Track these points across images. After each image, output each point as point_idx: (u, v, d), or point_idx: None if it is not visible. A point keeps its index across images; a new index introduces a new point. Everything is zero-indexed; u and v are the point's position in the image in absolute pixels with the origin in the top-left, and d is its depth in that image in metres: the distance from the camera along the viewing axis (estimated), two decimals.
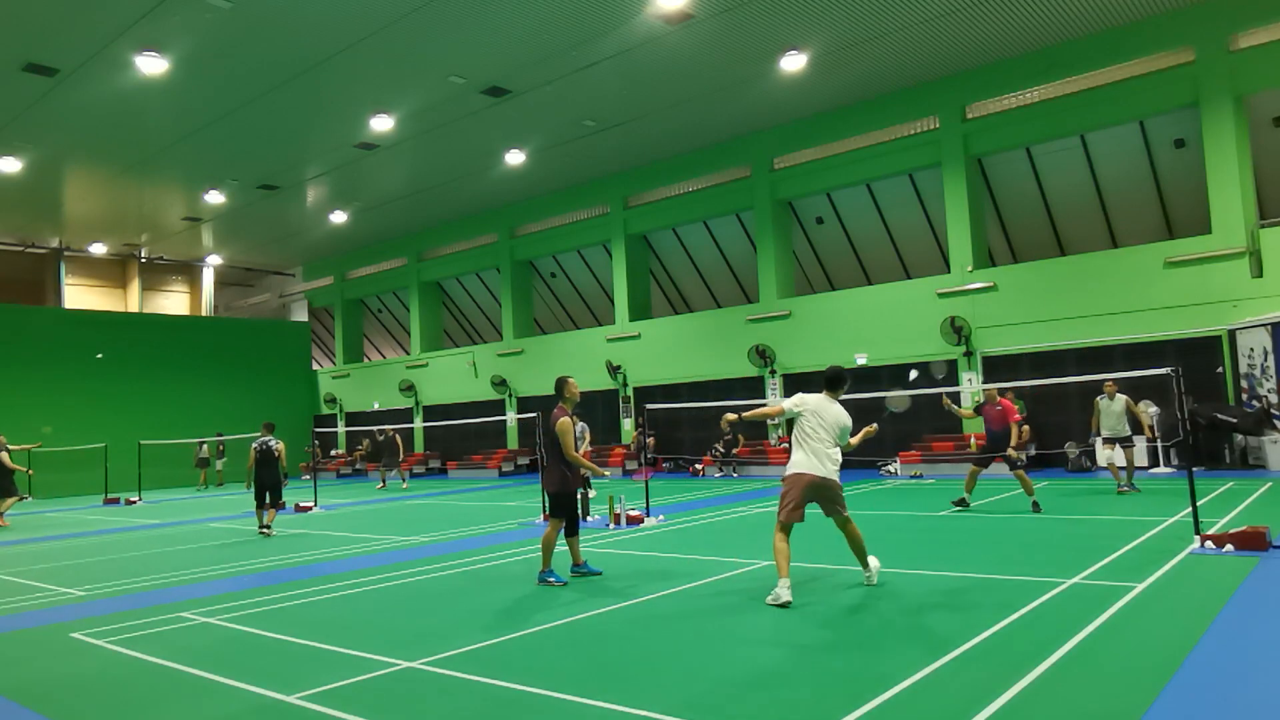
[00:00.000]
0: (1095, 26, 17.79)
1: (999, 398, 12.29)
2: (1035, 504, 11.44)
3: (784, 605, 6.48)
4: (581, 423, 19.19)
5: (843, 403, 7.44)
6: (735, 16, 16.40)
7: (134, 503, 23.62)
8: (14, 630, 7.23)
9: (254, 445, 14.07)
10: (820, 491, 7.01)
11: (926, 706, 4.22)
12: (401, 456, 24.67)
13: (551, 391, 8.57)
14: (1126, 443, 13.32)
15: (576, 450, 8.29)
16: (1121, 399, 13.41)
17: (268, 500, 13.79)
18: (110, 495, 25.04)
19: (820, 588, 7.26)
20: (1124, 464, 13.32)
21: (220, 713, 4.74)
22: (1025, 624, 5.64)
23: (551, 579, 7.99)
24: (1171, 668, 4.57)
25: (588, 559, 8.91)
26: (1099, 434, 13.60)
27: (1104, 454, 13.53)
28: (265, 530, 13.70)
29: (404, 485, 24.51)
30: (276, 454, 13.99)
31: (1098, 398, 13.60)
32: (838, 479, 7.07)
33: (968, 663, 4.87)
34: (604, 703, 4.50)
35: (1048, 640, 5.19)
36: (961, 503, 12.21)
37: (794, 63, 18.54)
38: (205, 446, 29.61)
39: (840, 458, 7.16)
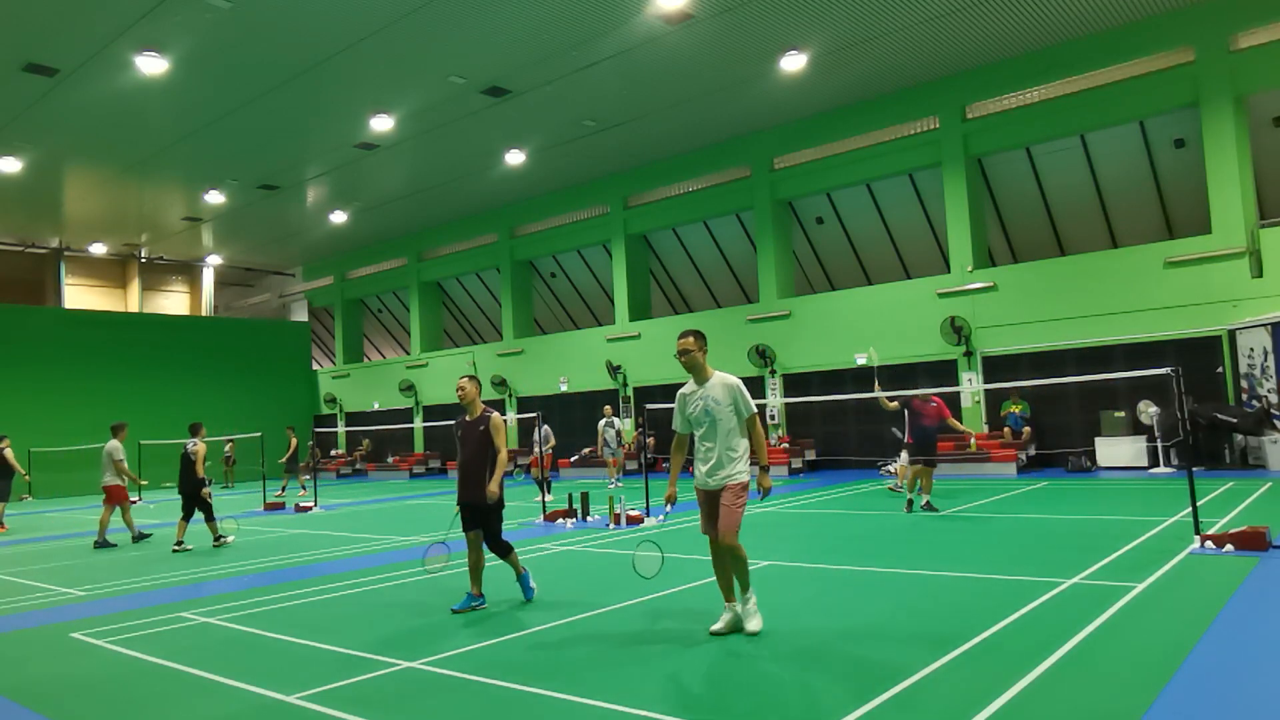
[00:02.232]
0: (1095, 26, 17.79)
1: (933, 396, 12.37)
2: (928, 504, 11.89)
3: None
4: (545, 426, 17.08)
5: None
6: (735, 16, 16.40)
7: (134, 502, 23.59)
8: (14, 630, 7.23)
9: (111, 447, 13.21)
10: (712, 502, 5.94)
11: (927, 705, 4.22)
12: (288, 458, 22.87)
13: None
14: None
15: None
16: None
17: (194, 515, 12.35)
18: None
19: (819, 586, 7.26)
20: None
21: (220, 713, 4.74)
22: (1025, 624, 5.64)
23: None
24: (1171, 668, 4.57)
25: (585, 560, 8.89)
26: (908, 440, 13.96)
27: (904, 458, 13.97)
28: (176, 546, 12.01)
29: (278, 493, 22.58)
30: (192, 459, 12.45)
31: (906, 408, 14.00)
32: (730, 482, 5.79)
33: (968, 662, 4.87)
34: (604, 703, 4.51)
35: (1048, 640, 5.18)
36: (928, 506, 12.05)
37: (794, 63, 18.54)
38: (229, 446, 29.76)
39: (737, 452, 5.84)
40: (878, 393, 12.98)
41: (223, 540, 12.38)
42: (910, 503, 12.19)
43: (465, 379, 7.40)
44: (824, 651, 5.30)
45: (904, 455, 14.04)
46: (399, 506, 18.25)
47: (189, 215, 28.92)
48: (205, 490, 12.43)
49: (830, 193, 22.92)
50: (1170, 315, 17.20)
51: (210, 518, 12.51)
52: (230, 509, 19.77)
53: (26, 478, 18.60)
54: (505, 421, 7.53)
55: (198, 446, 12.58)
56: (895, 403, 12.77)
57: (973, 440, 14.04)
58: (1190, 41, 17.14)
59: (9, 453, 17.54)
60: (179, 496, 12.54)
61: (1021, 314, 19.02)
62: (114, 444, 13.52)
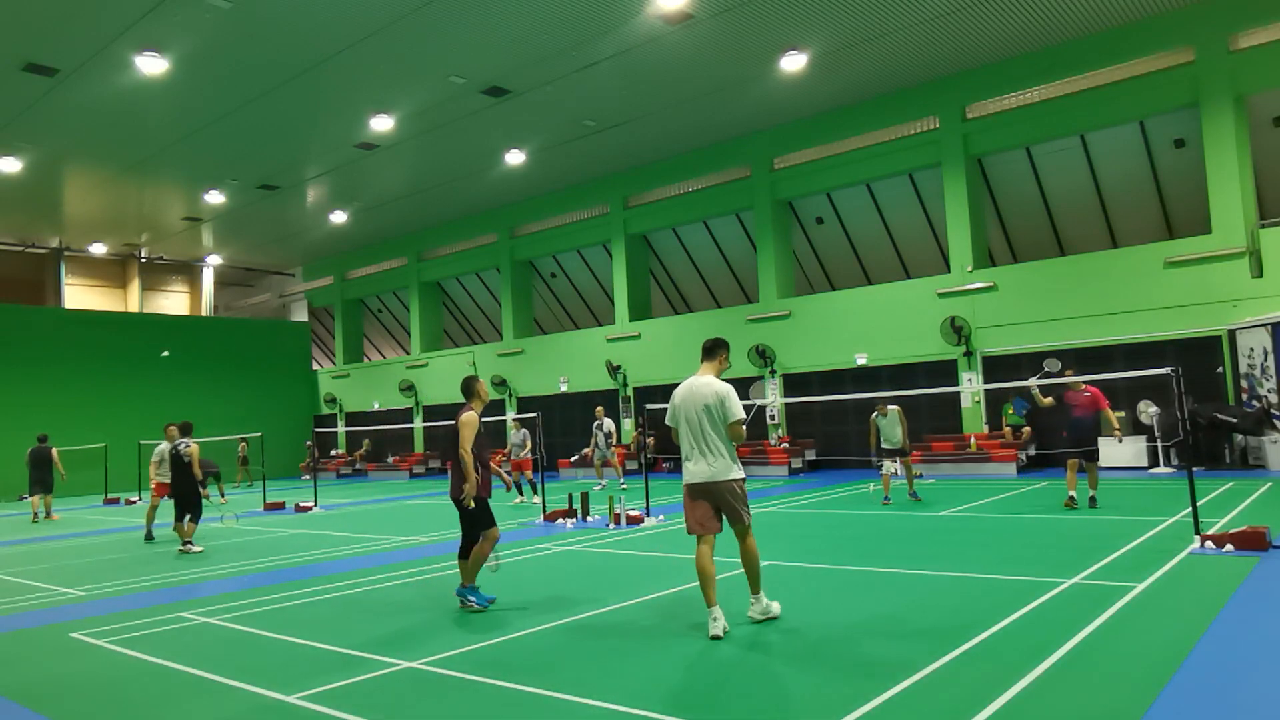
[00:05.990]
0: (1095, 26, 17.79)
1: (1084, 384, 11.29)
2: (1092, 499, 11.48)
3: (716, 638, 5.65)
4: (524, 430, 17.83)
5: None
6: (735, 16, 16.40)
7: (134, 503, 23.60)
8: (14, 630, 7.23)
9: (164, 449, 12.74)
10: (711, 496, 6.03)
11: (927, 706, 4.22)
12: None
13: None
14: (903, 454, 13.72)
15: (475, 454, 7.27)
16: (894, 411, 13.59)
17: (187, 516, 11.93)
18: (110, 495, 25.05)
19: (819, 585, 7.26)
20: (903, 475, 13.92)
21: (220, 713, 4.74)
22: (1025, 624, 5.64)
23: (472, 599, 7.02)
24: (1171, 668, 4.57)
25: (586, 560, 8.89)
26: (879, 448, 13.93)
27: (887, 465, 13.94)
28: (185, 547, 11.74)
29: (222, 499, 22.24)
30: (187, 460, 12.09)
31: (874, 416, 13.74)
32: (729, 478, 5.98)
33: (968, 662, 4.87)
34: (604, 703, 4.51)
35: (1048, 640, 5.19)
36: (1072, 502, 11.40)
37: (794, 63, 18.54)
38: (242, 445, 29.82)
39: (725, 450, 6.01)
40: (1031, 382, 12.18)
41: (189, 547, 11.73)
42: (1073, 499, 11.37)
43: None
44: (823, 651, 5.30)
45: (886, 463, 14.02)
46: (399, 507, 18.24)
47: (189, 215, 28.91)
48: (205, 491, 12.20)
49: (830, 193, 22.92)
50: (1170, 315, 17.20)
51: (195, 519, 11.99)
52: (233, 508, 19.76)
53: (63, 477, 19.47)
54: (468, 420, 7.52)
55: (191, 448, 12.23)
56: (1050, 398, 11.90)
57: (1120, 438, 12.36)
58: (1190, 41, 17.14)
59: (55, 452, 18.70)
60: (174, 500, 12.16)
61: (1021, 314, 19.02)
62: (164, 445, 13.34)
